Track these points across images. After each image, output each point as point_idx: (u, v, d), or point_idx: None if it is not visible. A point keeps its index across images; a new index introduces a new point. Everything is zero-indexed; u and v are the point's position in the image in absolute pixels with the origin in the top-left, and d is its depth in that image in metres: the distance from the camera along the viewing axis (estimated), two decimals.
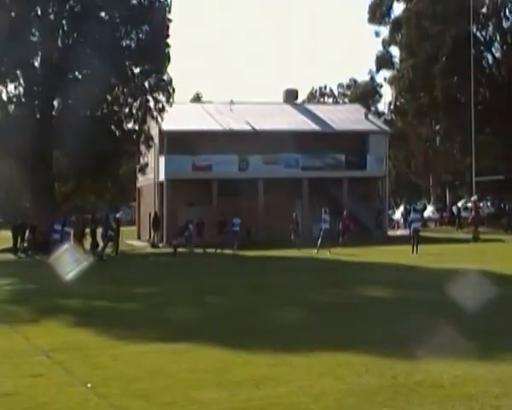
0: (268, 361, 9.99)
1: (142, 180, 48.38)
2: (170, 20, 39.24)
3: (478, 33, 54.50)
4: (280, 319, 13.93)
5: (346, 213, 39.30)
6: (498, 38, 56.14)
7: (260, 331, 12.50)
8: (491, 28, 56.47)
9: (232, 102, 49.14)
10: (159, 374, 9.40)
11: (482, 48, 55.52)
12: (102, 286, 20.78)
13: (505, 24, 55.41)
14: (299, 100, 58.56)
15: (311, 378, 8.98)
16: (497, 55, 56.54)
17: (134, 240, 45.95)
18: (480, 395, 8.01)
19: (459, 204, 55.72)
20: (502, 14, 55.29)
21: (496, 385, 8.42)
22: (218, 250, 34.28)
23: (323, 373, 9.25)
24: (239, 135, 44.51)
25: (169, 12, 39.26)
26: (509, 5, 55.05)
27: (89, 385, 8.81)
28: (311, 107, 56.60)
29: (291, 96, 53.52)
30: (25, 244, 35.23)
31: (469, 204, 48.88)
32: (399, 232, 49.75)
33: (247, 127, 45.43)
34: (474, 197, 44.30)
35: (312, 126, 47.85)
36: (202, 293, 18.74)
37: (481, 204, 53.35)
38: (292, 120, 48.26)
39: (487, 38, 56.58)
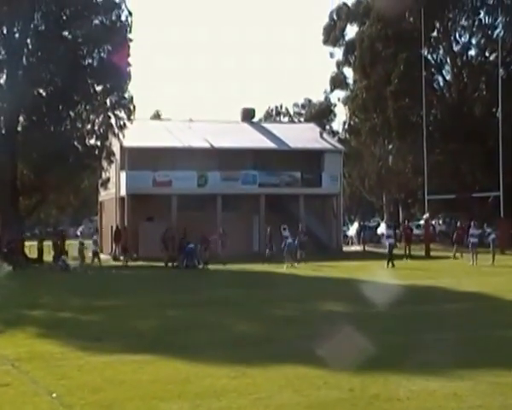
0: (228, 373, 10.12)
1: (103, 195, 48.79)
2: (131, 40, 40.17)
3: (429, 56, 55.71)
4: (240, 333, 14.31)
5: (301, 227, 40.25)
6: (449, 60, 57.46)
7: (221, 344, 12.71)
8: (441, 51, 57.72)
9: (191, 120, 50.10)
10: (122, 384, 9.60)
11: (433, 70, 56.64)
12: (66, 298, 21.10)
13: (455, 47, 56.82)
14: (256, 119, 59.60)
15: (270, 391, 9.12)
16: (448, 77, 57.95)
17: None
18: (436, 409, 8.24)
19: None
20: (452, 37, 56.78)
21: (452, 399, 8.59)
22: (175, 263, 35.02)
23: (283, 386, 9.37)
24: (198, 152, 45.35)
25: (130, 32, 40.18)
26: (459, 29, 56.88)
27: (54, 395, 8.99)
28: (268, 125, 57.58)
29: (248, 114, 54.50)
30: None
31: (421, 221, 50.21)
32: (353, 248, 51.03)
33: (206, 144, 46.30)
34: (426, 215, 45.53)
35: (269, 144, 48.89)
36: (164, 306, 18.89)
37: (433, 222, 54.75)
38: (249, 138, 49.23)
39: (438, 60, 57.89)
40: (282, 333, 14.05)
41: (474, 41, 56.55)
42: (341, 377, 9.73)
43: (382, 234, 57.41)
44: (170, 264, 35.11)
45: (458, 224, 42.04)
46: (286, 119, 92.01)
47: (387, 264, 32.46)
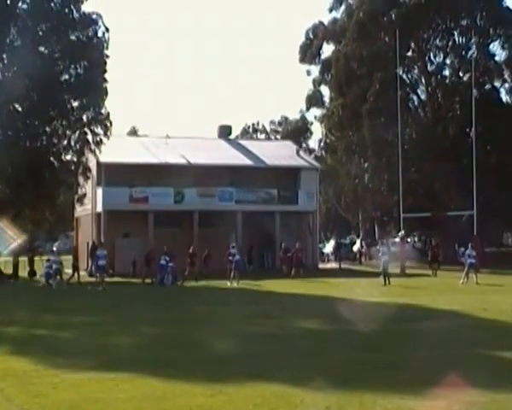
0: (204, 391, 10.10)
1: (80, 210, 48.61)
2: (107, 56, 40.22)
3: (404, 76, 56.30)
4: (216, 350, 14.28)
5: (298, 245, 40.54)
6: (423, 80, 58.22)
7: (197, 362, 12.64)
8: (416, 71, 58.45)
9: (168, 137, 50.18)
10: (98, 402, 9.55)
11: (408, 90, 57.21)
12: (41, 315, 20.94)
13: (430, 67, 57.51)
14: (233, 136, 59.84)
15: (246, 409, 9.13)
16: (423, 97, 58.63)
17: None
18: None
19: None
20: (426, 58, 57.51)
21: None
22: (148, 280, 34.96)
23: (259, 404, 9.30)
24: (174, 168, 45.41)
25: (107, 48, 40.26)
26: (434, 50, 57.62)
27: None
28: (245, 142, 57.84)
29: (225, 131, 54.74)
30: None
31: (397, 239, 50.53)
32: (329, 265, 51.23)
33: (183, 161, 46.39)
34: (402, 233, 45.88)
35: (246, 161, 49.13)
36: (140, 323, 18.86)
37: (408, 239, 55.14)
38: (226, 155, 49.42)
39: (413, 80, 58.57)
40: (259, 350, 14.02)
41: (448, 61, 57.46)
42: (317, 395, 9.74)
43: (359, 251, 57.96)
44: (147, 281, 34.97)
45: (433, 242, 42.35)
46: (262, 136, 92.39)
47: (384, 281, 32.72)
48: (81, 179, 40.72)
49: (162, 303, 25.93)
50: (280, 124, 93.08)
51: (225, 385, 10.50)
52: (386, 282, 32.65)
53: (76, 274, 35.55)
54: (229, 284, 33.52)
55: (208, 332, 16.91)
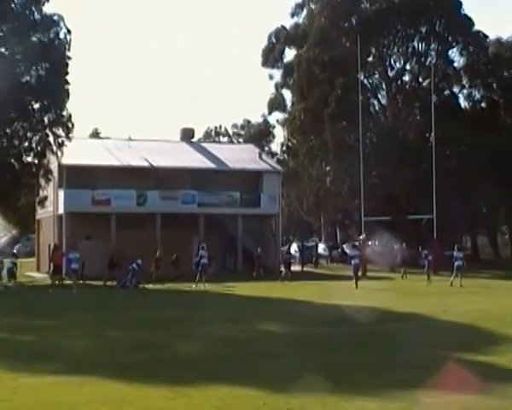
0: (166, 394, 10.11)
1: (41, 213, 48.19)
2: (69, 58, 40.02)
3: (365, 81, 56.91)
4: (178, 352, 14.29)
5: (259, 250, 41.06)
6: (384, 85, 58.98)
7: (159, 364, 12.64)
8: (377, 76, 59.12)
9: (130, 139, 50.06)
10: (59, 406, 9.49)
11: (369, 94, 57.74)
12: (0, 318, 20.73)
13: (390, 73, 58.19)
14: (195, 139, 59.88)
15: None
16: (383, 101, 59.36)
17: (34, 272, 45.71)
18: None
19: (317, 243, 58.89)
20: (387, 63, 58.24)
21: None
22: (109, 283, 34.83)
23: (220, 407, 9.40)
24: (137, 171, 45.39)
25: (68, 50, 40.03)
26: (394, 56, 58.38)
27: None
28: (207, 145, 57.88)
29: (187, 134, 54.75)
30: None
31: (357, 242, 51.03)
32: (292, 268, 51.35)
33: (145, 163, 46.30)
34: (363, 236, 46.38)
35: (208, 164, 49.21)
36: (102, 325, 18.77)
37: (369, 243, 55.71)
38: (188, 158, 49.44)
39: (374, 85, 59.22)
40: (221, 353, 14.04)
41: (408, 67, 58.13)
42: (280, 397, 9.79)
43: (320, 254, 58.34)
44: (109, 283, 34.85)
45: (403, 245, 42.92)
46: (225, 139, 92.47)
47: (355, 284, 33.01)
48: (42, 181, 40.43)
49: (125, 306, 25.81)
50: (242, 127, 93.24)
51: (187, 388, 10.48)
52: (354, 285, 32.94)
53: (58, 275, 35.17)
54: (194, 286, 33.45)
55: (171, 335, 16.88)
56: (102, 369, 12.06)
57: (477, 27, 57.55)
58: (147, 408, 9.38)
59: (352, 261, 35.10)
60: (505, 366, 12.55)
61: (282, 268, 40.50)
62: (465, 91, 60.77)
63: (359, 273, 39.23)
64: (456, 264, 34.55)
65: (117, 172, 44.80)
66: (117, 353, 14.16)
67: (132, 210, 43.92)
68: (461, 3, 56.96)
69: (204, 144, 60.01)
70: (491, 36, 59.85)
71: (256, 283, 35.26)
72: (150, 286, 33.93)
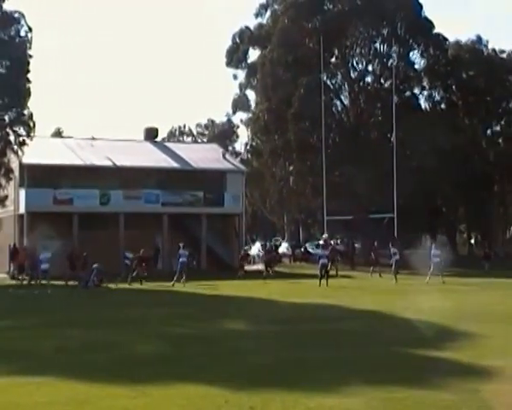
0: (128, 393, 10.05)
1: (1, 212, 47.55)
2: (31, 56, 39.66)
3: (328, 81, 57.37)
4: (141, 352, 14.29)
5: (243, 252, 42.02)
6: (346, 86, 59.54)
7: (121, 363, 12.60)
8: (340, 77, 59.62)
9: (93, 138, 49.86)
10: (18, 408, 9.43)
11: (332, 95, 58.13)
12: None
13: (353, 74, 58.73)
14: (159, 138, 59.75)
15: None
16: (346, 102, 59.84)
17: None
18: None
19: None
20: (349, 64, 58.81)
21: None
22: (70, 282, 34.71)
23: (183, 405, 9.39)
24: (100, 170, 45.26)
25: (30, 48, 39.67)
26: (356, 57, 58.98)
27: None
28: (171, 145, 57.85)
29: (151, 134, 54.62)
30: None
31: (321, 241, 51.49)
32: (255, 267, 51.71)
33: (108, 163, 46.15)
34: (325, 235, 46.76)
35: (172, 164, 49.20)
36: (62, 325, 18.60)
37: (332, 242, 56.22)
38: (152, 158, 49.36)
39: (337, 85, 59.73)
40: (183, 352, 14.05)
41: (370, 68, 58.72)
42: (242, 395, 9.85)
43: (284, 253, 58.67)
44: (71, 283, 34.69)
45: (375, 244, 43.40)
46: (189, 139, 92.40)
47: (320, 283, 33.42)
48: (3, 180, 40.07)
49: (87, 305, 25.71)
50: (206, 127, 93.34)
51: (149, 387, 10.48)
52: (321, 283, 33.38)
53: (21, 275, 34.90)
54: (171, 284, 33.50)
55: (133, 334, 16.86)
56: (63, 369, 11.97)
57: (437, 30, 58.53)
58: (109, 408, 9.37)
59: (321, 260, 35.43)
60: (461, 361, 12.76)
61: (263, 267, 40.62)
62: (425, 93, 61.85)
63: (334, 272, 39.82)
64: (434, 261, 35.26)
65: (79, 172, 44.61)
66: (77, 353, 14.05)
67: (95, 210, 43.73)
68: (421, 6, 57.84)
69: (168, 144, 59.97)
70: (451, 38, 61.18)
71: (220, 281, 35.30)
72: (121, 286, 33.70)
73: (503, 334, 16.18)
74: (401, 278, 35.99)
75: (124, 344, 15.17)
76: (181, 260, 35.08)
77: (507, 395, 9.87)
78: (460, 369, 12.09)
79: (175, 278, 33.98)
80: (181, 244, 36.34)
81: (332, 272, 37.40)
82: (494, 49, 63.59)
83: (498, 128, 65.62)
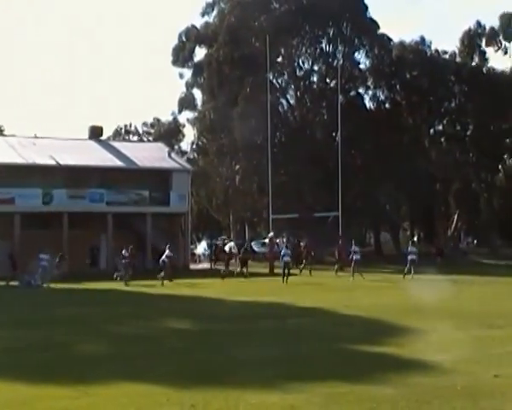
0: (70, 393, 9.96)
1: None
2: None
3: (274, 80, 57.83)
4: (83, 351, 14.15)
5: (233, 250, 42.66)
6: (293, 85, 60.02)
7: (62, 364, 12.46)
8: (286, 76, 60.17)
9: (36, 137, 49.05)
10: None
11: (278, 94, 58.71)
12: None
13: (299, 73, 59.32)
14: (104, 137, 59.17)
15: (112, 409, 9.22)
16: (292, 101, 60.33)
17: None
18: None
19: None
20: (296, 63, 59.29)
21: None
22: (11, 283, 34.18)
23: (125, 404, 9.34)
24: (43, 169, 44.53)
25: None
26: (302, 56, 59.43)
27: None
28: (116, 144, 57.29)
29: (96, 132, 53.99)
30: None
31: (266, 240, 51.76)
32: (201, 266, 51.70)
33: (52, 162, 45.48)
34: (271, 234, 47.04)
35: (117, 163, 48.75)
36: (2, 326, 18.28)
37: (278, 240, 56.50)
38: (97, 156, 48.84)
39: (283, 85, 60.28)
40: (126, 351, 13.99)
41: (315, 68, 59.38)
42: (184, 393, 9.86)
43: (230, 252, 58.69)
44: (11, 282, 34.12)
45: (340, 242, 43.68)
46: (135, 138, 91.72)
47: (283, 280, 33.89)
48: None
49: (28, 305, 25.33)
50: (152, 126, 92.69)
51: (91, 387, 10.42)
52: (285, 281, 33.83)
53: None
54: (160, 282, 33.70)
55: (76, 334, 16.64)
56: (3, 370, 11.81)
57: (382, 31, 59.50)
58: (50, 409, 9.29)
59: (284, 258, 36.01)
60: (403, 356, 12.97)
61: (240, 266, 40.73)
62: (370, 92, 62.81)
63: (268, 271, 40.01)
64: (409, 258, 36.11)
65: (21, 171, 43.75)
66: (18, 353, 13.83)
67: (38, 209, 42.99)
68: (366, 7, 58.70)
69: (113, 143, 59.36)
70: (395, 39, 62.10)
71: (166, 280, 35.13)
72: (65, 286, 33.25)
73: (442, 329, 16.44)
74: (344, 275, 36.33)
75: (66, 344, 14.94)
76: (43, 263, 34.40)
77: (445, 389, 10.05)
78: (401, 364, 12.28)
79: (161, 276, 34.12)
80: (168, 245, 36.77)
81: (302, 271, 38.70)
82: (437, 50, 64.81)
83: (441, 128, 66.94)
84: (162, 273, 34.68)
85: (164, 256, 35.93)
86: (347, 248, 39.68)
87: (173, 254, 36.87)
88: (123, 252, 36.37)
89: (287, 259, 35.98)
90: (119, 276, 35.46)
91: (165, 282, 33.99)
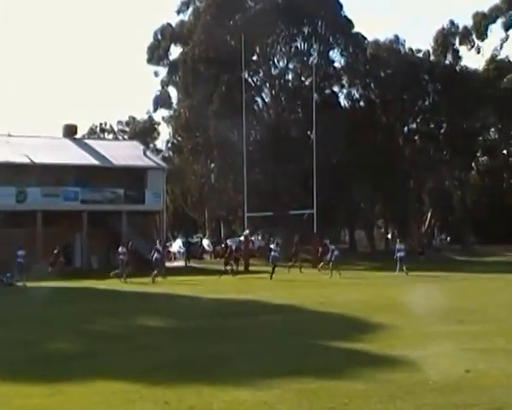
0: (43, 392, 9.86)
1: None
2: None
3: (249, 79, 57.82)
4: (56, 349, 14.00)
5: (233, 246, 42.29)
6: (268, 84, 60.13)
7: (35, 362, 12.32)
8: (261, 75, 60.25)
9: (9, 135, 48.70)
10: None
11: (253, 93, 58.68)
12: None
13: (274, 71, 59.51)
14: (80, 135, 58.92)
15: (85, 407, 9.10)
16: (267, 99, 60.45)
17: None
18: None
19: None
20: (271, 62, 59.45)
21: (261, 408, 8.97)
22: None
23: (98, 402, 9.28)
24: (17, 167, 44.26)
25: None
26: (278, 55, 59.61)
27: None
28: (91, 142, 57.01)
29: (70, 131, 53.75)
30: None
31: (241, 238, 51.88)
32: (176, 264, 51.64)
33: (26, 160, 45.21)
34: (246, 232, 47.16)
35: (92, 161, 48.59)
36: None
37: (253, 238, 56.65)
38: (71, 154, 48.62)
39: (258, 83, 60.38)
40: (99, 349, 13.93)
41: (291, 66, 59.53)
42: (157, 390, 9.85)
43: (205, 250, 58.80)
44: None
45: (296, 238, 43.92)
46: (110, 136, 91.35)
47: (271, 277, 34.80)
48: None
49: (2, 304, 25.15)
50: (128, 124, 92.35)
51: (64, 384, 10.33)
52: (273, 277, 34.73)
53: None
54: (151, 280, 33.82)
55: (48, 331, 16.53)
56: None
57: (356, 29, 59.78)
58: (22, 407, 9.21)
59: (272, 253, 37.15)
60: (375, 352, 13.03)
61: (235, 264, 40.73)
62: (345, 91, 63.21)
63: (243, 268, 40.11)
64: (398, 255, 36.89)
65: None
66: None
67: (11, 208, 42.77)
68: (341, 6, 58.93)
69: (88, 141, 59.08)
70: (370, 38, 62.51)
71: (141, 279, 35.09)
72: (36, 284, 33.05)
73: (414, 325, 16.56)
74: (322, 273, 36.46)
75: (38, 342, 14.78)
76: (155, 255, 35.82)
77: (417, 384, 10.14)
78: (373, 360, 12.33)
79: (154, 274, 34.28)
80: (158, 239, 37.54)
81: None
82: (411, 49, 65.39)
83: (415, 126, 67.49)
84: (155, 271, 34.63)
85: (155, 253, 35.81)
86: (327, 246, 39.97)
87: (164, 249, 36.73)
88: (119, 249, 36.24)
89: (275, 254, 36.89)
90: (117, 273, 35.29)
91: (159, 279, 34.11)
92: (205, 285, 31.60)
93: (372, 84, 63.65)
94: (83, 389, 10.04)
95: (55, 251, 38.79)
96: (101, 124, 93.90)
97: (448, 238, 77.13)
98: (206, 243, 61.18)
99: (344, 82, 62.11)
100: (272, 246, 39.06)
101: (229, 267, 39.21)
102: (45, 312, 21.12)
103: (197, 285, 31.64)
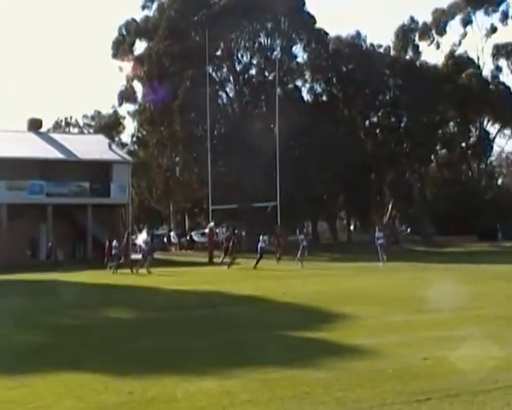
0: (6, 384, 9.72)
1: None
2: None
3: (214, 74, 58.40)
4: (20, 342, 13.86)
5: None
6: (232, 78, 60.79)
7: None
8: (225, 69, 60.81)
9: None
10: None
11: (218, 87, 59.32)
12: None
13: (238, 66, 60.05)
14: (44, 129, 58.96)
15: (50, 399, 8.97)
16: (231, 94, 61.09)
17: None
18: (209, 407, 8.55)
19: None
20: (235, 57, 60.11)
21: (225, 397, 8.96)
22: None
23: (63, 394, 9.23)
24: None
25: None
26: (241, 50, 60.27)
27: None
28: (56, 136, 57.12)
29: (35, 125, 53.85)
30: None
31: (206, 230, 52.49)
32: (141, 256, 51.98)
33: None
34: (211, 224, 47.78)
35: (57, 155, 48.84)
36: None
37: (217, 230, 57.29)
38: (36, 148, 48.77)
39: (222, 78, 60.89)
40: (64, 341, 13.77)
41: (254, 61, 60.21)
42: (122, 381, 9.83)
43: (171, 242, 59.34)
44: None
45: (277, 231, 44.46)
46: (75, 130, 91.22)
47: (255, 265, 35.96)
48: None
49: None
50: (93, 118, 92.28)
51: (29, 377, 10.21)
52: (257, 266, 35.76)
53: None
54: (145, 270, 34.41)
55: (12, 324, 16.27)
56: None
57: (318, 25, 60.66)
58: None
59: (260, 244, 37.87)
60: (336, 341, 13.18)
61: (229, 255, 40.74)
62: (307, 85, 64.17)
63: (207, 260, 40.63)
64: (378, 243, 37.46)
65: None
66: None
67: None
68: (304, 2, 59.73)
69: (53, 135, 59.21)
70: (332, 33, 63.53)
71: (107, 271, 35.53)
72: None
73: (375, 314, 16.75)
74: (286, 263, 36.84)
75: (3, 335, 14.55)
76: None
77: (377, 372, 10.39)
78: (334, 349, 12.48)
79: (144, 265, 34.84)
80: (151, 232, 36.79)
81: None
82: (372, 44, 66.58)
83: (376, 119, 68.66)
84: (145, 261, 35.32)
85: (142, 243, 36.48)
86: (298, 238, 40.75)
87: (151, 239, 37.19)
88: (113, 243, 36.84)
89: (262, 244, 37.81)
90: (113, 266, 35.76)
91: (143, 270, 34.37)
92: (170, 277, 31.76)
93: (334, 79, 64.58)
94: (47, 382, 9.96)
95: None
96: (66, 118, 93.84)
97: (408, 229, 78.62)
98: (172, 234, 61.79)
99: (307, 77, 63.05)
100: (263, 238, 39.92)
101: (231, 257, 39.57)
102: (10, 305, 20.94)
103: (162, 277, 31.74)
